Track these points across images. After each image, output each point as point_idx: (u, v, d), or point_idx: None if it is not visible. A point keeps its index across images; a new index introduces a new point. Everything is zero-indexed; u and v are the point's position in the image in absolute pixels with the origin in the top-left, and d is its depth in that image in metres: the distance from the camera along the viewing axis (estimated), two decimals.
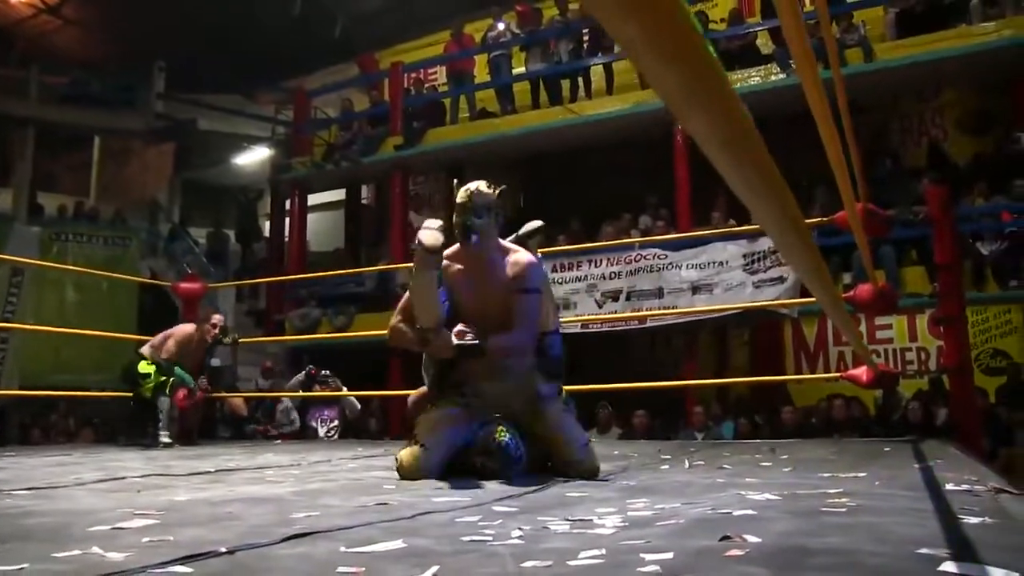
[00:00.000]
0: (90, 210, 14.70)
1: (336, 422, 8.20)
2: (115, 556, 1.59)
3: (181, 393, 6.40)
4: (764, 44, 10.50)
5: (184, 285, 7.48)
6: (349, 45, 14.13)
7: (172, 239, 15.04)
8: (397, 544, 1.70)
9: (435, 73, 14.64)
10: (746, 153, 1.01)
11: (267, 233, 15.52)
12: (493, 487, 2.81)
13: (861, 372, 4.85)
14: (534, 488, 2.83)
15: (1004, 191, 8.84)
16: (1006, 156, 9.92)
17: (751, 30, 10.66)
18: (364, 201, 15.95)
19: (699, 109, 0.87)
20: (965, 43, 9.09)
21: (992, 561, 1.35)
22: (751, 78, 9.90)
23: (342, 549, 1.65)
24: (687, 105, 0.86)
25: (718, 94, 0.86)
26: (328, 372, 8.28)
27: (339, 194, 15.24)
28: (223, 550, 1.63)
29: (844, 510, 2.05)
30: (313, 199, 13.97)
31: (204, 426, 8.64)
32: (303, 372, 8.18)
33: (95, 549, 1.65)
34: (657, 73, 0.77)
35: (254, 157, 15.96)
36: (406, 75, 13.03)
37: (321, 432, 8.16)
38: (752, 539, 1.65)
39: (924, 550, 1.47)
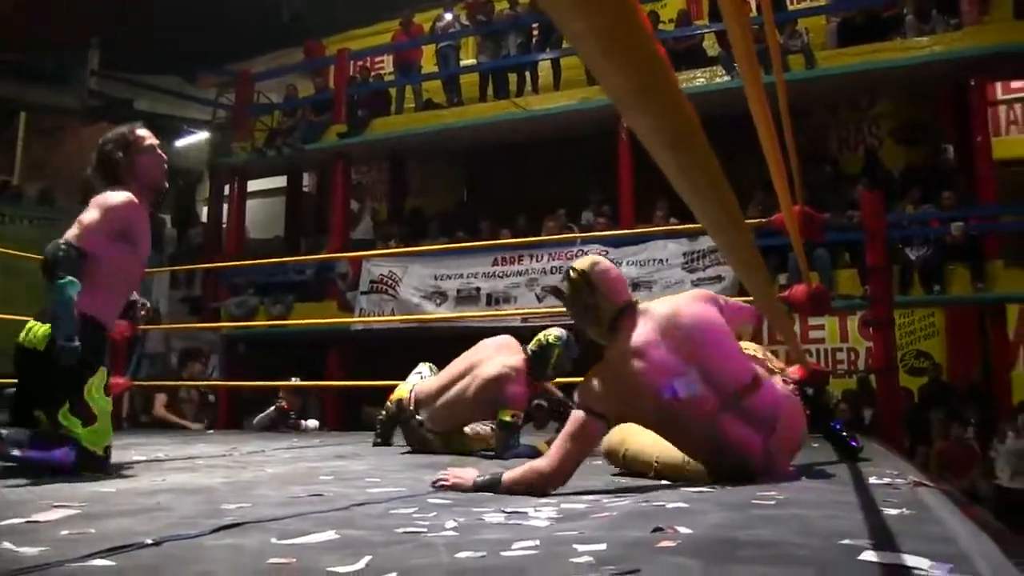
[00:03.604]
0: (14, 189, 14.25)
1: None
2: (29, 551, 1.51)
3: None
4: (711, 46, 10.63)
5: None
6: (295, 30, 13.93)
7: None
8: (329, 535, 1.69)
9: (382, 62, 14.55)
10: (691, 153, 1.02)
11: (204, 218, 15.27)
12: (429, 478, 2.81)
13: (794, 370, 4.93)
14: None
15: (933, 199, 9.08)
16: (935, 166, 10.22)
17: (698, 32, 10.79)
18: (305, 189, 15.79)
19: (646, 107, 0.88)
20: (900, 55, 9.37)
21: (908, 550, 1.40)
22: (696, 79, 10.02)
23: (273, 540, 1.64)
24: (634, 103, 0.86)
25: (665, 93, 0.86)
26: (295, 417, 7.73)
27: (280, 181, 15.05)
28: (149, 541, 1.59)
29: (773, 503, 2.10)
30: (253, 185, 13.78)
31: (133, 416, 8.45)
32: (272, 408, 7.65)
33: (6, 544, 1.56)
34: (605, 69, 0.78)
35: (193, 140, 15.66)
36: (352, 62, 12.92)
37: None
38: (684, 531, 1.68)
39: (847, 541, 1.52)
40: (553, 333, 4.16)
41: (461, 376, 4.29)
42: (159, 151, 3.45)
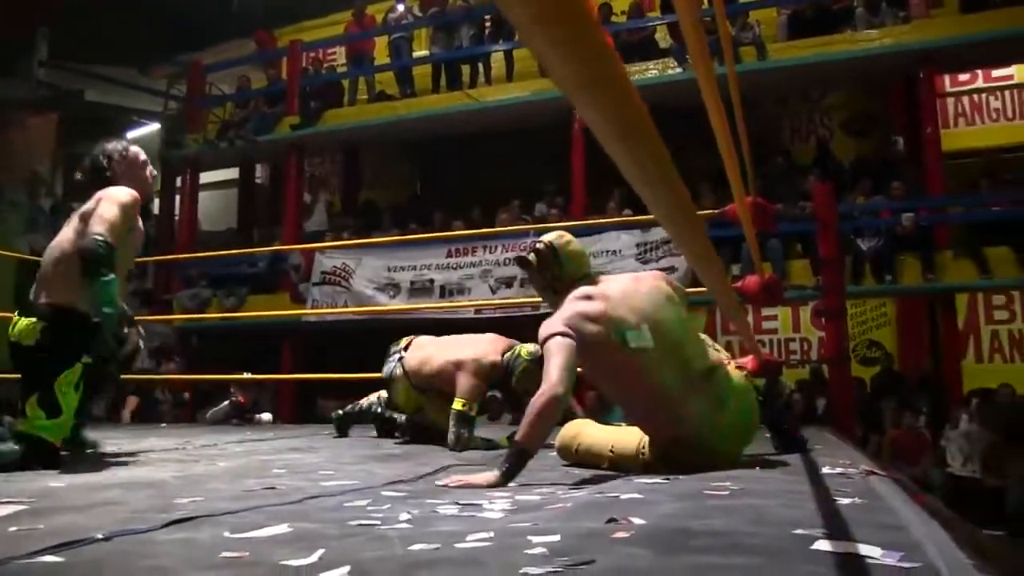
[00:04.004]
0: None
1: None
2: None
3: None
4: (663, 38, 10.68)
5: None
6: (247, 21, 13.77)
7: (55, 214, 14.42)
8: (283, 528, 1.67)
9: (334, 53, 14.45)
10: (640, 142, 1.02)
11: (156, 210, 15.05)
12: (383, 471, 2.80)
13: (748, 360, 4.97)
14: (424, 473, 2.83)
15: (883, 191, 9.22)
16: (885, 157, 10.38)
17: (650, 24, 10.83)
18: (258, 180, 15.63)
19: (595, 98, 0.88)
20: (850, 48, 9.49)
21: (860, 538, 1.42)
22: (648, 71, 10.06)
23: (226, 534, 1.62)
24: (582, 93, 0.86)
25: (614, 83, 0.86)
26: (253, 413, 7.59)
27: (232, 173, 14.88)
28: (99, 536, 1.57)
29: (726, 493, 2.11)
30: (205, 177, 13.62)
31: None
32: (227, 402, 7.45)
33: None
34: (553, 59, 0.77)
35: (144, 132, 15.42)
36: (305, 54, 12.81)
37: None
38: (638, 521, 1.69)
39: (799, 530, 1.53)
40: (527, 348, 4.15)
41: (447, 345, 4.39)
42: (151, 167, 3.65)
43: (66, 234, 3.30)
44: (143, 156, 3.58)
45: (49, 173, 15.27)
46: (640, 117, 0.96)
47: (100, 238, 3.08)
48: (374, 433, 4.98)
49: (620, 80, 0.88)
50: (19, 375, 3.21)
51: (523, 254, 3.03)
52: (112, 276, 3.06)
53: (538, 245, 2.97)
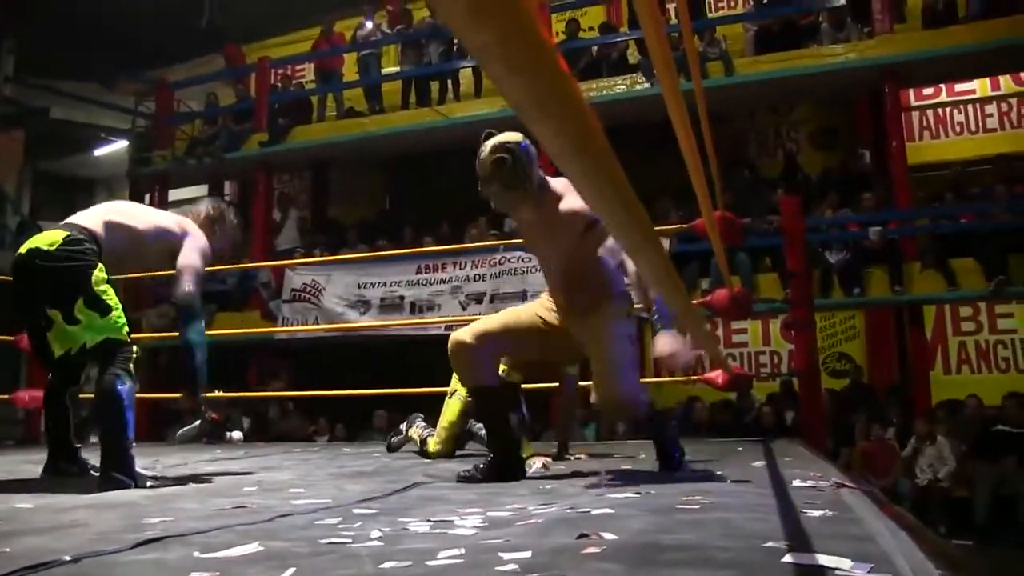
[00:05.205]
0: None
1: None
2: None
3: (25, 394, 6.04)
4: (632, 54, 10.75)
5: None
6: (216, 37, 13.72)
7: (21, 232, 14.27)
8: (253, 547, 1.66)
9: (303, 70, 14.44)
10: (594, 160, 1.02)
11: None
12: (353, 488, 2.78)
13: (717, 375, 4.99)
14: (395, 490, 2.81)
15: (851, 204, 9.31)
16: (851, 170, 10.49)
17: (617, 40, 10.89)
18: (227, 198, 15.53)
19: (547, 119, 0.88)
20: (816, 63, 9.62)
21: (829, 551, 1.42)
22: (617, 86, 10.12)
23: (196, 554, 1.60)
24: (535, 114, 0.86)
25: (566, 104, 0.87)
26: (233, 433, 7.55)
27: (201, 190, 14.77)
28: (66, 559, 1.55)
29: (697, 507, 2.12)
30: (174, 194, 13.51)
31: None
32: (198, 421, 7.25)
33: None
34: (506, 82, 0.78)
35: (112, 149, 15.29)
36: (273, 71, 12.77)
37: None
38: (609, 536, 1.69)
39: (770, 543, 1.53)
40: None
41: None
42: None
43: (155, 220, 3.60)
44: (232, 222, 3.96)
45: (15, 191, 15.10)
46: (593, 134, 0.97)
47: (191, 292, 3.60)
48: (347, 450, 4.96)
49: (572, 98, 0.88)
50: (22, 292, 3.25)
51: (499, 156, 2.85)
52: (202, 322, 3.64)
53: (521, 140, 2.90)
